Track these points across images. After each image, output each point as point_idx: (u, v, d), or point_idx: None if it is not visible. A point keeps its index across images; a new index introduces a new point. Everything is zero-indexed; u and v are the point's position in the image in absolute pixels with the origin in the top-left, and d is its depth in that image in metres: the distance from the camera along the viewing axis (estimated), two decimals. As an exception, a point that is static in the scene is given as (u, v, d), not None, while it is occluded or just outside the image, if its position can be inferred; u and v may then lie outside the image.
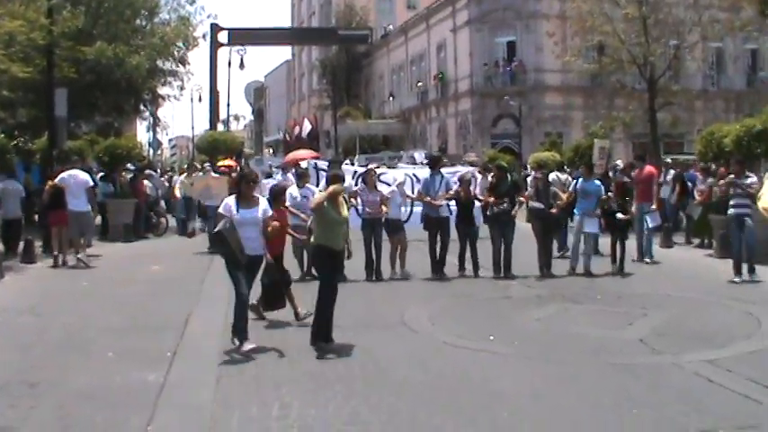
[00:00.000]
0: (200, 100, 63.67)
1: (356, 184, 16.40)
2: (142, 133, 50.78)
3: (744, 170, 14.68)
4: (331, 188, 9.80)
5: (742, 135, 18.69)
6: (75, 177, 17.71)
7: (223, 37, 46.78)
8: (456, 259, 15.55)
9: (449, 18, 54.58)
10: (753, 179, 14.43)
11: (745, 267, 14.20)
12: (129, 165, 24.71)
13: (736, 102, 49.79)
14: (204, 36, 30.57)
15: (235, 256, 9.50)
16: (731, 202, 14.49)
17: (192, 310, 12.23)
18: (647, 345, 9.89)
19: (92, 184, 18.86)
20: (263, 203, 10.04)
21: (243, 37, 50.00)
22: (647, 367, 8.65)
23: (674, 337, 10.37)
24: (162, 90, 30.90)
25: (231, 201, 9.90)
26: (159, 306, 12.78)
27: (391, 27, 68.09)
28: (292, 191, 14.78)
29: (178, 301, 12.98)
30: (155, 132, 47.74)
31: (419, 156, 40.90)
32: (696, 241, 20.29)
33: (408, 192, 16.51)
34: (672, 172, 22.74)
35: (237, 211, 9.70)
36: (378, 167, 19.33)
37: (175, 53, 28.65)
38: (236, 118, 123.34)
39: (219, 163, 32.07)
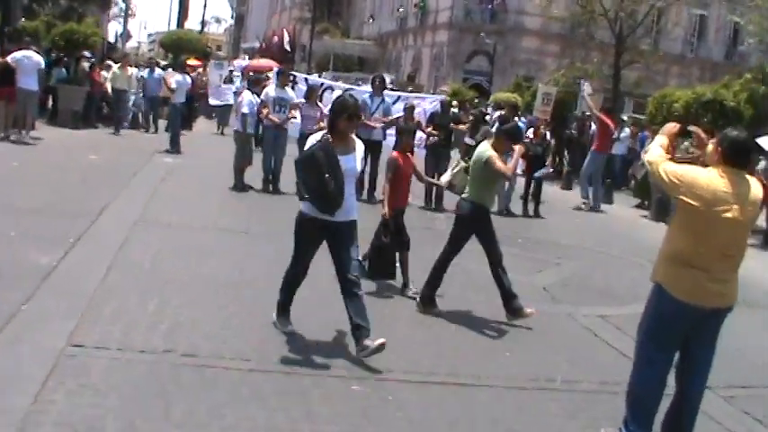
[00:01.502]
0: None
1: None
2: (115, 25, 49.85)
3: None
4: (519, 149, 8.59)
5: (691, 102, 18.71)
6: (30, 58, 18.06)
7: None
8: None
9: (440, -55, 53.73)
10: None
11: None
12: (85, 52, 24.23)
13: (711, 71, 49.71)
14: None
15: (327, 200, 6.60)
16: None
17: (111, 201, 12.17)
18: (549, 293, 10.02)
19: (43, 65, 19.03)
20: (361, 148, 7.00)
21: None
22: (540, 315, 8.65)
23: (578, 289, 10.52)
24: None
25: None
26: (80, 193, 12.70)
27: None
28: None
29: (101, 191, 12.87)
30: (125, 23, 46.88)
31: (386, 79, 40.53)
32: (636, 201, 20.45)
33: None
34: (627, 130, 22.81)
35: None
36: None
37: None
38: (218, 20, 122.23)
39: (189, 62, 31.69)
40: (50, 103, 23.16)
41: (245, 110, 14.98)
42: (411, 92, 30.40)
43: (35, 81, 18.12)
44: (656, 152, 5.46)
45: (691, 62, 50.62)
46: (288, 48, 67.23)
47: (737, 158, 5.20)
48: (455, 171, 9.45)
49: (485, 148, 8.29)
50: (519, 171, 16.42)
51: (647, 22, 33.70)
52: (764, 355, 8.49)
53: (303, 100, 15.85)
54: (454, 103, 28.40)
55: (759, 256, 15.27)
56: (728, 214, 5.08)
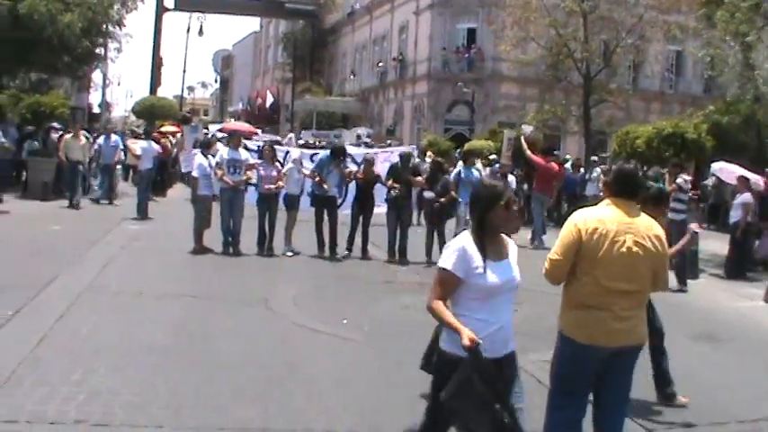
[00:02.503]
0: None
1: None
2: (98, 95, 50.23)
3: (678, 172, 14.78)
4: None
5: (653, 137, 18.67)
6: None
7: (169, 2, 46.21)
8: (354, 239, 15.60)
9: (413, 0, 54.24)
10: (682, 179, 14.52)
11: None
12: (54, 124, 24.31)
13: (692, 105, 49.65)
14: (143, -1, 30.03)
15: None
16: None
17: (63, 272, 12.07)
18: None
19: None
20: (515, 250, 5.09)
21: (189, 3, 49.29)
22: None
23: (528, 335, 10.32)
24: (101, 50, 30.65)
25: (467, 243, 4.86)
26: (33, 265, 12.52)
27: (358, 5, 67.51)
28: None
29: (55, 262, 12.77)
30: (104, 93, 47.15)
31: (363, 133, 40.81)
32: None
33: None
34: (598, 169, 22.84)
35: (485, 266, 4.78)
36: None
37: (113, 14, 28.24)
38: (204, 85, 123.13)
39: (163, 129, 31.75)
40: (23, 176, 23.21)
41: (195, 173, 14.98)
42: (389, 145, 30.55)
43: None
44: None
45: (671, 98, 50.71)
46: (268, 110, 67.69)
47: (625, 189, 5.13)
48: None
49: None
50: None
51: (622, 61, 33.96)
52: (746, 389, 8.38)
53: (259, 160, 15.89)
54: (429, 153, 28.61)
55: (724, 286, 15.24)
56: (622, 248, 4.99)
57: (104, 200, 23.11)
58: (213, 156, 15.31)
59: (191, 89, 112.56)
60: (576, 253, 5.09)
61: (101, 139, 24.30)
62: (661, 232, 5.22)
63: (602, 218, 5.05)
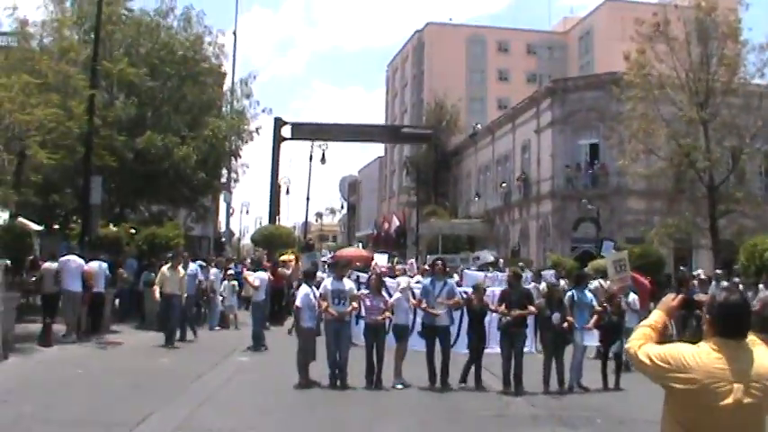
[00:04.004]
0: (287, 192, 64.06)
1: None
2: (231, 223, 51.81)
3: None
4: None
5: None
6: (75, 261, 19.44)
7: (286, 131, 47.12)
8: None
9: (533, 119, 53.98)
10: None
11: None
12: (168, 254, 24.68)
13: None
14: (258, 130, 30.79)
15: None
16: None
17: (159, 408, 11.70)
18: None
19: (85, 267, 19.66)
20: None
21: (305, 132, 50.18)
22: None
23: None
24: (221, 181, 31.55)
25: None
26: (129, 401, 12.23)
27: (479, 126, 67.83)
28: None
29: (153, 397, 12.46)
30: (227, 223, 48.25)
31: (486, 256, 40.03)
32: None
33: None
34: (724, 283, 21.43)
35: None
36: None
37: (228, 146, 29.01)
38: (332, 211, 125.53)
39: (282, 258, 31.92)
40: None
41: (298, 303, 14.52)
42: (521, 268, 29.66)
43: (79, 284, 19.16)
44: (638, 332, 4.58)
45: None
46: (394, 234, 67.85)
47: (731, 327, 4.27)
48: None
49: None
50: (595, 342, 15.51)
51: (750, 167, 32.49)
52: None
53: (365, 291, 15.41)
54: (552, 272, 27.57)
55: None
56: (728, 398, 4.11)
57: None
58: (317, 287, 14.91)
59: (319, 215, 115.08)
60: (674, 397, 4.24)
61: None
62: None
63: (706, 362, 4.17)
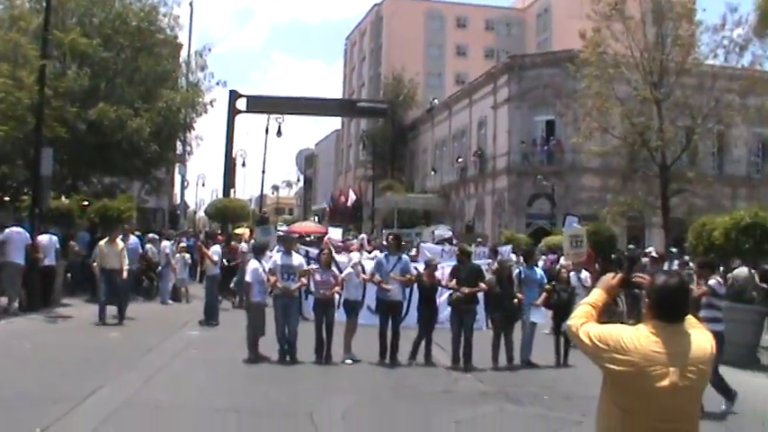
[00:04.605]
0: (243, 165, 63.64)
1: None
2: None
3: (709, 274, 13.19)
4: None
5: (730, 228, 17.31)
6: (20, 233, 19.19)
7: (241, 104, 47.03)
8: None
9: (490, 95, 54.15)
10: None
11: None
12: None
13: (746, 188, 47.52)
14: (212, 102, 30.45)
15: None
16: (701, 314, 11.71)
17: (107, 383, 11.59)
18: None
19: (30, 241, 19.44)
20: None
21: (261, 105, 50.11)
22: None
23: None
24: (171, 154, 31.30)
25: None
26: (76, 376, 12.13)
27: (436, 101, 67.85)
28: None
29: (100, 372, 12.35)
30: (182, 195, 47.90)
31: (443, 232, 40.19)
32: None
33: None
34: (676, 262, 21.75)
35: None
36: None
37: (182, 119, 28.74)
38: (289, 184, 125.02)
39: (237, 231, 31.77)
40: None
41: (248, 278, 14.47)
42: (479, 243, 29.82)
43: (22, 256, 18.92)
44: (579, 310, 4.60)
45: (759, 182, 48.82)
46: (351, 207, 67.87)
47: (669, 311, 4.29)
48: None
49: None
50: (543, 319, 15.66)
51: (703, 147, 32.92)
52: None
53: (315, 266, 15.39)
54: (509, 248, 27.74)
55: None
56: (664, 381, 4.14)
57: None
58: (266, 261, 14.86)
59: (275, 188, 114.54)
60: (611, 378, 4.27)
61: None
62: (708, 351, 4.30)
63: (644, 346, 4.19)
